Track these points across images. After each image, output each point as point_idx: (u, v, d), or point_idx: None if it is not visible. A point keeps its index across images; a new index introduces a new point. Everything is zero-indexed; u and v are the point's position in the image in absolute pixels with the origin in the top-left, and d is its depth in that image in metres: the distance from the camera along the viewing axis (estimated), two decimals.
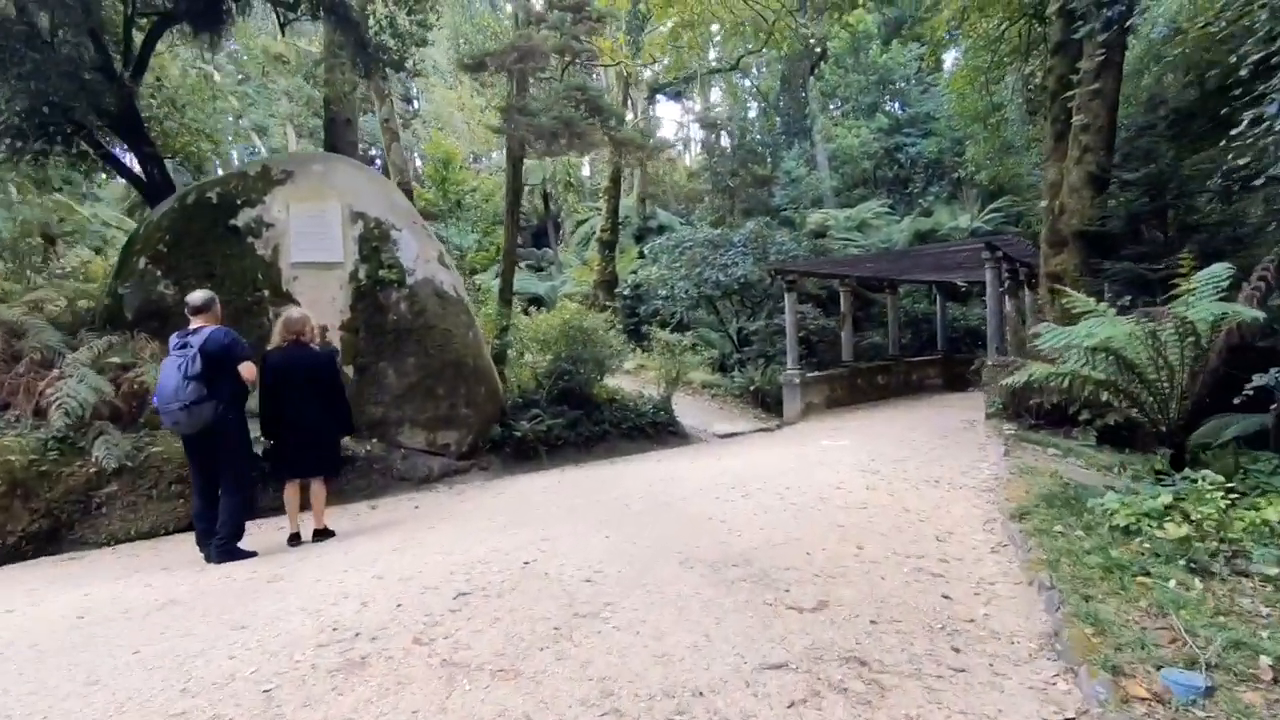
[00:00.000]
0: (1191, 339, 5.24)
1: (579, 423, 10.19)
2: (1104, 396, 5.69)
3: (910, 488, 6.92)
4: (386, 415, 7.96)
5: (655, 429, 11.32)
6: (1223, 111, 12.11)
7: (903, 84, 30.17)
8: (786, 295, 13.76)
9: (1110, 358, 5.38)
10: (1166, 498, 4.85)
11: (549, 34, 8.92)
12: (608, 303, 19.50)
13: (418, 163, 26.83)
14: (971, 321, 19.86)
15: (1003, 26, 19.85)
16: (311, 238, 7.64)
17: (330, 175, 7.94)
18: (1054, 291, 11.58)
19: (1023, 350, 11.50)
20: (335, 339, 7.67)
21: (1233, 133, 6.83)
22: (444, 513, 6.49)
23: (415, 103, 32.13)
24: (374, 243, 7.94)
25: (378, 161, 24.03)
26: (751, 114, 36.65)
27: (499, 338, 10.93)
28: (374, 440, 7.88)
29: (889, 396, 16.05)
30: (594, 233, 21.29)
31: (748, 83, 37.10)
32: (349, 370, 7.68)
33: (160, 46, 9.53)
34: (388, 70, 9.56)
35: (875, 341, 18.12)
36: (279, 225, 7.62)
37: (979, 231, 20.24)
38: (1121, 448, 10.18)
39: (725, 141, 30.40)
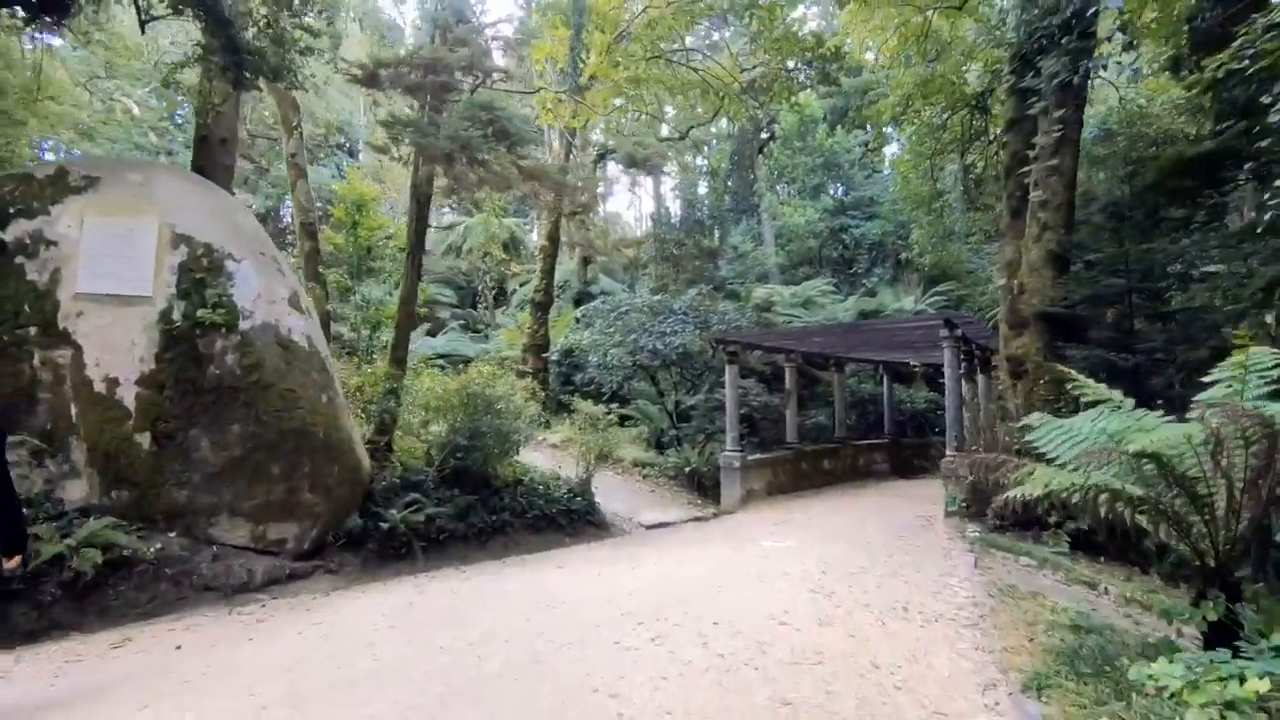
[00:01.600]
0: (1260, 445, 3.79)
1: (472, 510, 8.23)
2: (1137, 518, 4.14)
3: (875, 621, 5.20)
4: (195, 500, 5.90)
5: (570, 518, 9.41)
6: (1155, 208, 11.71)
7: (848, 168, 30.24)
8: (728, 368, 12.27)
9: (1151, 467, 3.86)
10: (1260, 681, 3.26)
11: (459, 51, 7.47)
12: (535, 368, 17.72)
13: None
14: (918, 404, 18.77)
15: (945, 115, 19.74)
16: (110, 261, 5.72)
17: (151, 186, 6.10)
18: (1016, 376, 10.40)
19: (990, 440, 10.16)
20: (129, 396, 5.66)
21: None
22: (197, 668, 4.33)
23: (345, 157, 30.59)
24: (200, 274, 6.05)
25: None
26: (701, 190, 36.43)
27: (385, 403, 9.01)
28: (172, 534, 5.78)
29: (835, 482, 14.52)
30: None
31: (700, 160, 37.04)
32: (143, 439, 5.65)
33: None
34: (263, 81, 7.91)
35: (820, 422, 16.77)
36: (64, 244, 5.69)
37: (923, 314, 19.46)
38: (1095, 555, 8.78)
39: (674, 210, 29.66)
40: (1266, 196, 9.81)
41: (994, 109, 19.49)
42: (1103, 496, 4.02)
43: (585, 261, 23.77)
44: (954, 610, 5.68)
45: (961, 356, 10.55)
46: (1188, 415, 4.71)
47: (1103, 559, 8.94)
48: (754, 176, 32.41)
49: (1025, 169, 10.84)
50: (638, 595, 5.62)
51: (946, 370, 9.97)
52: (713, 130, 33.01)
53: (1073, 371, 5.10)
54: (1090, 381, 4.91)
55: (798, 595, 5.78)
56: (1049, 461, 5.04)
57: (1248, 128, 11.82)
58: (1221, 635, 3.87)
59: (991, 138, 19.98)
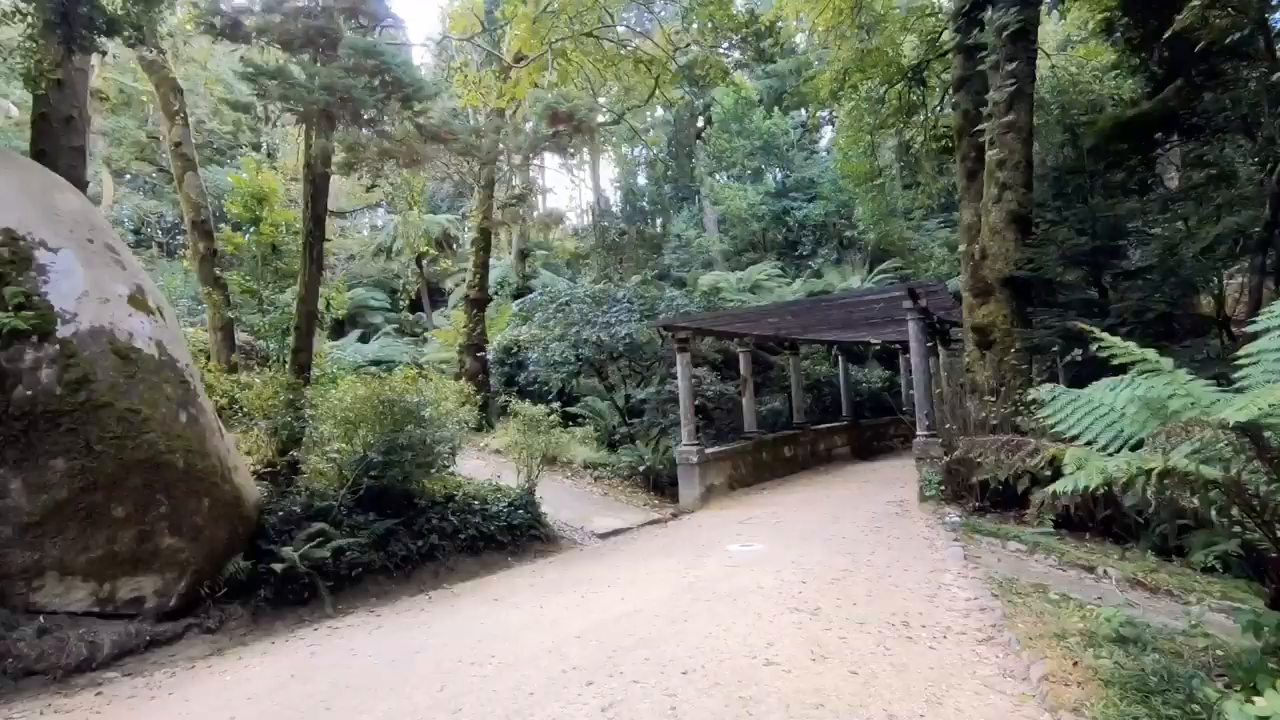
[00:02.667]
0: None
1: (393, 537, 6.96)
2: (1208, 509, 3.24)
3: (875, 646, 4.21)
4: (6, 559, 4.50)
5: (512, 535, 8.23)
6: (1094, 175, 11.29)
7: (787, 150, 29.62)
8: (679, 357, 11.24)
9: (1240, 441, 2.95)
10: None
11: None
12: (473, 370, 16.37)
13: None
14: (874, 384, 18.17)
15: (883, 89, 19.21)
16: None
17: None
18: (984, 346, 9.67)
19: (961, 417, 9.40)
20: None
21: None
22: None
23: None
24: None
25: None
26: (641, 180, 35.40)
27: (288, 417, 7.66)
28: None
29: (797, 470, 13.70)
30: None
31: (638, 150, 35.98)
32: None
33: None
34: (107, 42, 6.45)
35: (775, 408, 15.95)
36: None
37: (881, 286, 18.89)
38: (1079, 532, 8.12)
39: (614, 199, 28.57)
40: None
41: (930, 81, 19.10)
42: (1164, 480, 3.09)
43: (523, 255, 22.44)
44: (961, 620, 4.76)
45: (925, 329, 9.76)
46: (1235, 377, 3.89)
47: (1087, 535, 8.28)
48: (693, 163, 31.53)
49: (979, 128, 10.12)
50: (587, 638, 4.50)
51: (912, 344, 9.15)
52: (649, 117, 32.03)
53: (1095, 330, 4.20)
54: (1118, 340, 4.01)
55: (779, 618, 4.76)
56: (1071, 440, 4.16)
57: (1180, 89, 11.47)
58: None
59: (930, 110, 19.57)
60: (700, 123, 33.27)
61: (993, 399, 8.79)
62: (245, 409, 8.15)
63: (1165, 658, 3.44)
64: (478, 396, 12.36)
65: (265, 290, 11.45)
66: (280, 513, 6.50)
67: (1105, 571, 6.56)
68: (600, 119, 23.52)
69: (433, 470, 8.05)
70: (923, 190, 20.72)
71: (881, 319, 11.38)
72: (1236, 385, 3.77)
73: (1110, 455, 3.71)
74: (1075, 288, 9.12)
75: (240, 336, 12.77)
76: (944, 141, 21.24)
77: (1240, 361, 3.80)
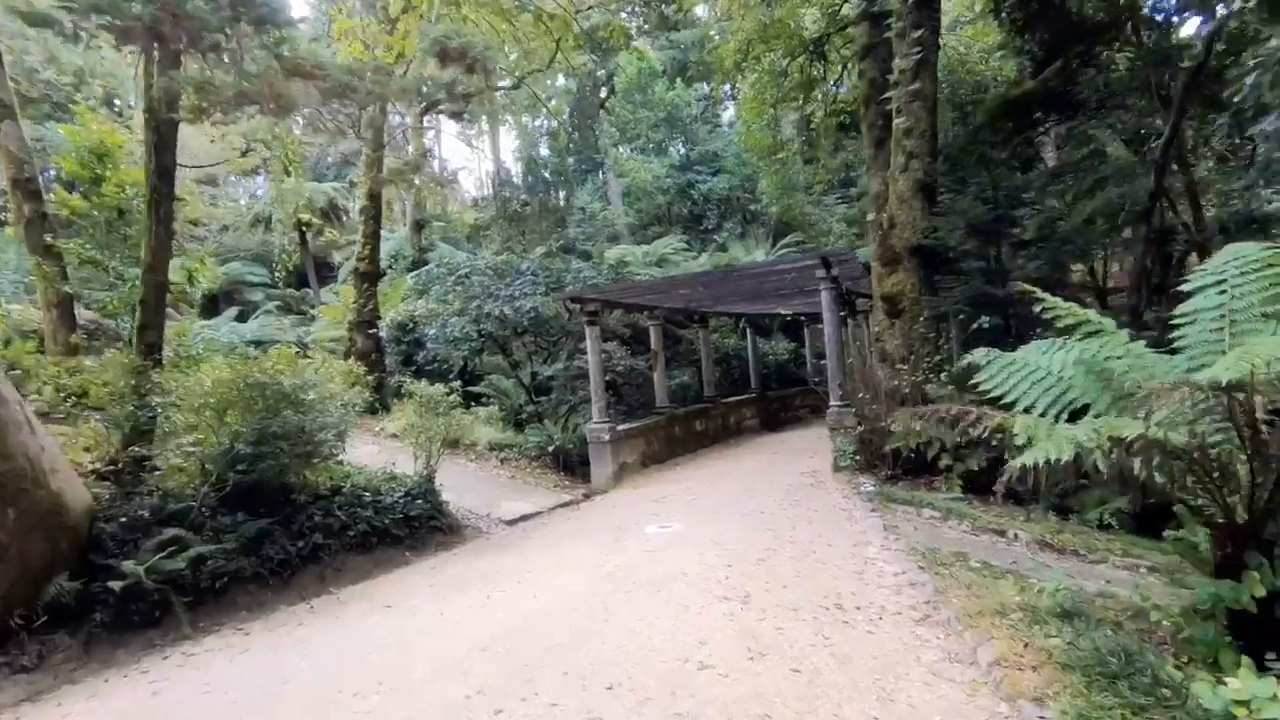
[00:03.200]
0: None
1: (267, 539, 6.05)
2: (1164, 476, 3.03)
3: (813, 635, 3.88)
4: None
5: (409, 527, 7.44)
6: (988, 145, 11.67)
7: (690, 122, 29.29)
8: (588, 331, 10.65)
9: (1211, 405, 2.72)
10: None
11: None
12: (365, 349, 15.12)
13: None
14: (780, 356, 18.29)
15: (785, 61, 19.14)
16: None
17: None
18: (893, 315, 9.67)
19: (872, 386, 9.36)
20: None
21: None
22: None
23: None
24: None
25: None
26: (544, 151, 34.13)
27: (130, 405, 6.50)
28: None
29: (708, 444, 13.52)
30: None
31: (539, 121, 34.61)
32: None
33: None
34: None
35: (684, 382, 15.70)
36: None
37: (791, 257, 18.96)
38: (985, 496, 8.29)
39: (516, 171, 27.37)
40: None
41: (830, 55, 19.20)
42: (1131, 448, 2.84)
43: (419, 227, 21.00)
44: (894, 598, 4.52)
45: (837, 299, 9.64)
46: (1172, 337, 3.76)
47: (991, 498, 8.47)
48: (596, 133, 30.67)
49: (885, 95, 10.02)
50: (495, 648, 3.91)
51: (825, 314, 9.00)
52: (551, 84, 30.78)
53: (1038, 290, 3.98)
54: (1060, 301, 3.80)
55: (708, 609, 4.35)
56: (1009, 407, 3.93)
57: (1061, 70, 11.94)
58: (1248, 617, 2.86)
59: (830, 85, 19.70)
60: (604, 93, 32.40)
61: (904, 367, 8.79)
62: (82, 398, 6.87)
63: (1116, 633, 3.26)
64: (370, 377, 11.30)
65: (113, 261, 9.85)
66: (123, 519, 5.45)
67: (1015, 535, 6.61)
68: (502, 84, 22.24)
69: (316, 460, 7.11)
70: (822, 166, 20.97)
71: (792, 290, 11.24)
72: (1173, 346, 3.64)
73: (1055, 421, 3.49)
74: (976, 256, 9.23)
75: (86, 315, 11.06)
76: (842, 118, 21.55)
77: (1177, 321, 3.67)
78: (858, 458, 8.69)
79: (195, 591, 5.35)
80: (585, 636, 3.99)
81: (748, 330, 15.87)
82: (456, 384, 9.07)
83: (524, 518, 8.89)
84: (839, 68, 19.08)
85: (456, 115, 23.68)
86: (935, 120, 9.77)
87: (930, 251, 9.30)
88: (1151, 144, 10.04)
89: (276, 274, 17.77)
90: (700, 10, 31.19)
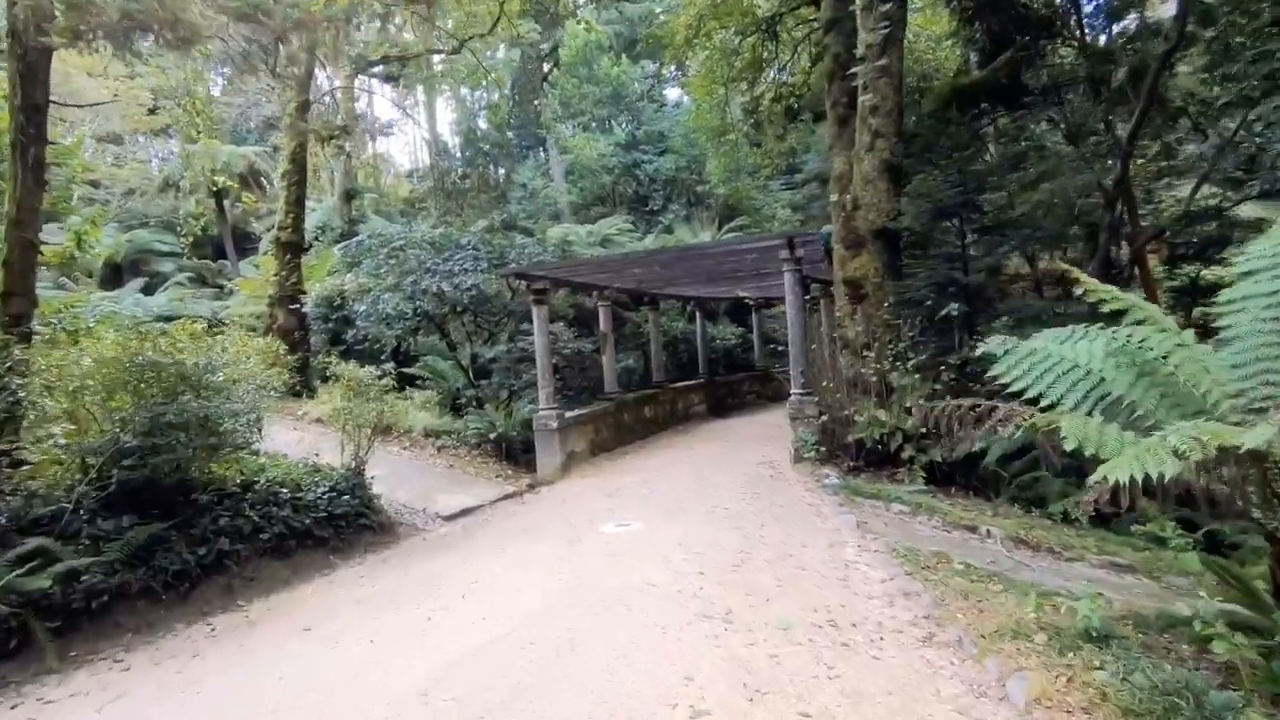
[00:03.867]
0: None
1: (162, 547, 5.11)
2: (1238, 490, 2.61)
3: (814, 664, 3.35)
4: None
5: (335, 526, 6.58)
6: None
7: (636, 100, 28.43)
8: (535, 310, 9.88)
9: None
10: None
11: None
12: (288, 326, 13.85)
13: None
14: (728, 341, 17.92)
15: (738, 39, 18.64)
16: None
17: None
18: (856, 300, 9.31)
19: (834, 375, 8.98)
20: None
21: None
22: None
23: None
24: None
25: None
26: (484, 125, 32.58)
27: None
28: None
29: (657, 431, 12.99)
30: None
31: (480, 93, 32.97)
32: None
33: None
34: None
35: (629, 366, 15.13)
36: None
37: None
38: (947, 488, 8.07)
39: (454, 144, 25.98)
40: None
41: (782, 36, 18.78)
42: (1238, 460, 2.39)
43: (349, 197, 19.51)
44: (889, 611, 4.06)
45: (800, 282, 9.18)
46: (1217, 325, 3.38)
47: (953, 490, 8.25)
48: (538, 106, 29.43)
49: (850, 72, 9.57)
50: (438, 694, 3.20)
51: (788, 297, 8.53)
52: (493, 55, 29.29)
53: (1079, 272, 3.52)
54: (1103, 286, 3.35)
55: (688, 631, 3.77)
56: (1034, 402, 3.48)
57: (1009, 61, 11.83)
58: None
59: (779, 68, 19.31)
60: (547, 67, 31.12)
61: (870, 354, 8.42)
62: None
63: (1168, 664, 2.85)
64: (292, 357, 10.21)
65: None
66: None
67: (989, 531, 6.32)
68: (440, 50, 20.83)
69: (223, 452, 6.16)
70: (767, 152, 20.61)
71: (750, 271, 10.75)
72: (1220, 336, 3.26)
73: (1096, 419, 3.03)
74: (942, 241, 8.96)
75: None
76: (789, 102, 21.21)
77: (1219, 310, 3.28)
78: (820, 448, 8.30)
79: (66, 614, 4.41)
80: (550, 677, 3.33)
81: (697, 314, 15.38)
82: (389, 366, 8.17)
83: (465, 512, 8.12)
84: (790, 50, 18.72)
85: (391, 79, 22.14)
86: (901, 99, 9.40)
87: (894, 234, 8.96)
88: (1091, 140, 9.99)
89: (184, 242, 16.00)
90: None
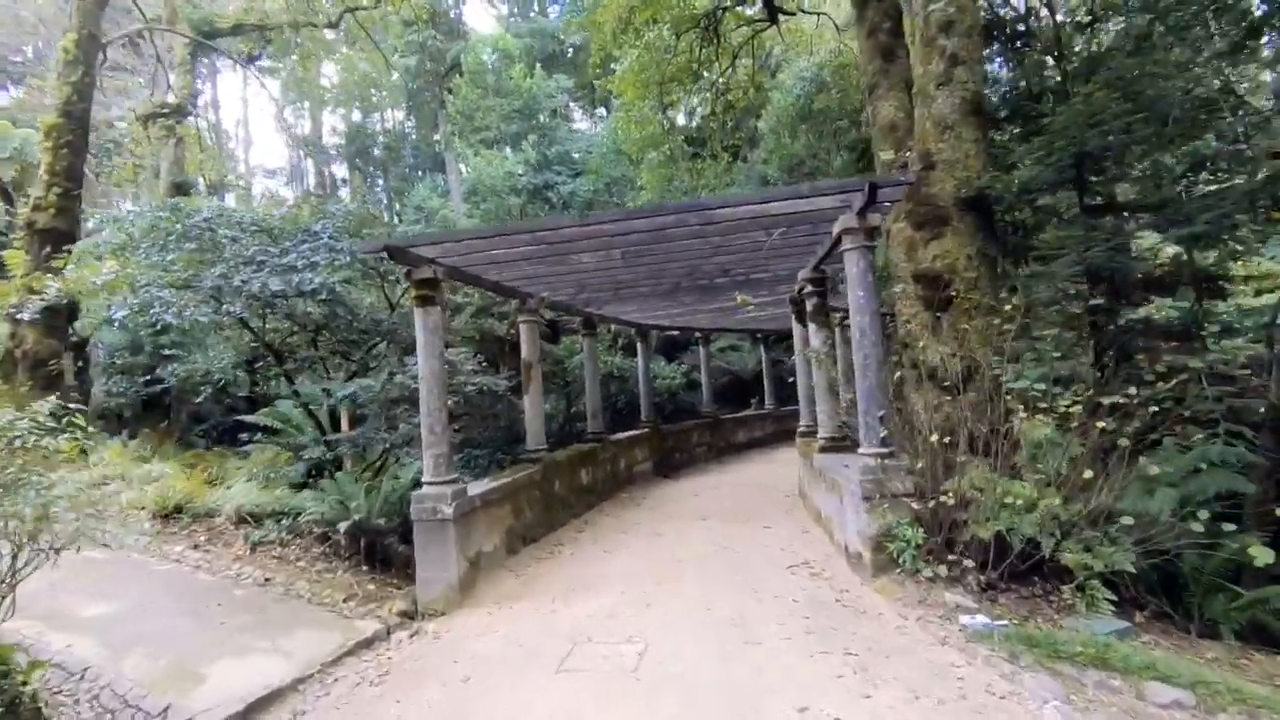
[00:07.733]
0: None
1: None
2: None
3: None
4: None
5: None
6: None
7: (549, 118, 24.98)
8: (420, 317, 5.83)
9: None
10: None
11: None
12: (41, 350, 8.92)
13: None
14: (671, 380, 14.30)
15: (673, 37, 15.75)
16: None
17: None
18: (943, 305, 5.98)
19: (905, 422, 5.52)
20: None
21: None
22: None
23: None
24: None
25: None
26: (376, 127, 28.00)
27: None
28: None
29: (597, 502, 9.06)
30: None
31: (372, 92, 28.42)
32: None
33: None
34: None
35: (548, 411, 11.17)
36: None
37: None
38: (1130, 613, 4.75)
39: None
40: None
41: (724, 34, 16.20)
42: None
43: (179, 191, 14.55)
44: None
45: (870, 268, 5.64)
46: None
47: (1139, 616, 4.90)
48: (437, 118, 25.39)
49: None
50: None
51: (855, 294, 4.99)
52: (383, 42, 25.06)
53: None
54: None
55: None
56: None
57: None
58: None
59: (722, 69, 16.60)
60: (444, 74, 27.19)
61: (973, 393, 5.04)
62: None
63: None
64: (48, 403, 5.51)
65: None
66: None
67: None
68: (312, 22, 16.54)
69: None
70: (708, 167, 17.80)
71: (743, 275, 7.23)
72: None
73: None
74: (1064, 220, 5.82)
75: None
76: (733, 112, 18.53)
77: None
78: (922, 550, 4.70)
79: None
80: None
81: (638, 344, 11.68)
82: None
83: (253, 709, 3.84)
84: (730, 57, 16.08)
85: (251, 59, 17.58)
86: (980, 19, 6.38)
87: (989, 207, 5.76)
88: None
89: None
90: None
